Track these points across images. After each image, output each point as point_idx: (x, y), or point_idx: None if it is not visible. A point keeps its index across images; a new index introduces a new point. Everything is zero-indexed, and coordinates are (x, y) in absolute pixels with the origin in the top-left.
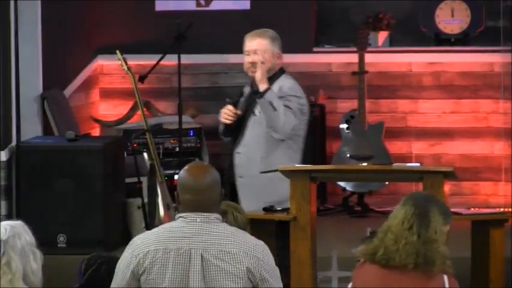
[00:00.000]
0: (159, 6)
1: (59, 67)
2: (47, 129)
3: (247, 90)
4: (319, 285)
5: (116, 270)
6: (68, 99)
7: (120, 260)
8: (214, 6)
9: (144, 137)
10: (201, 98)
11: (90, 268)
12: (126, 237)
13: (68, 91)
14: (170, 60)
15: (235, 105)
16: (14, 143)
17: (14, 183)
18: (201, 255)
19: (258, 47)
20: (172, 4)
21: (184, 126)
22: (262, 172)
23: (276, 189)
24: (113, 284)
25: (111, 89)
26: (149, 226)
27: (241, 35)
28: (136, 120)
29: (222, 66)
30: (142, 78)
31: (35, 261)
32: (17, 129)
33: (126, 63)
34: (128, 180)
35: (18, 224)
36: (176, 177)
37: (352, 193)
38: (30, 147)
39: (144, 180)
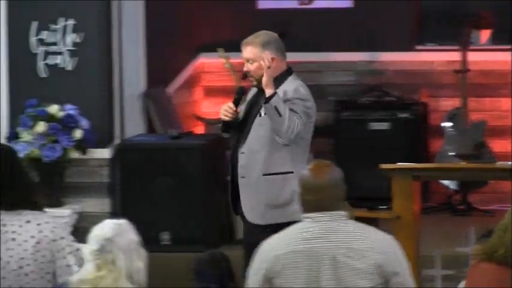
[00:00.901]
0: (261, 5)
1: (162, 65)
2: (150, 127)
3: (253, 89)
4: (423, 284)
5: (247, 274)
6: (171, 97)
7: (251, 264)
8: (316, 4)
9: None
10: None
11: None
12: (228, 235)
13: (170, 89)
14: None
15: (236, 102)
16: (117, 141)
17: (117, 181)
18: (331, 255)
19: (249, 56)
20: (275, 2)
21: None
22: (265, 174)
23: (277, 192)
24: (247, 285)
25: (213, 86)
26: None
27: (344, 33)
28: None
29: (323, 64)
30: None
31: (140, 260)
32: (120, 127)
33: (229, 61)
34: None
35: (123, 222)
36: None
37: (456, 191)
38: (133, 145)
39: None
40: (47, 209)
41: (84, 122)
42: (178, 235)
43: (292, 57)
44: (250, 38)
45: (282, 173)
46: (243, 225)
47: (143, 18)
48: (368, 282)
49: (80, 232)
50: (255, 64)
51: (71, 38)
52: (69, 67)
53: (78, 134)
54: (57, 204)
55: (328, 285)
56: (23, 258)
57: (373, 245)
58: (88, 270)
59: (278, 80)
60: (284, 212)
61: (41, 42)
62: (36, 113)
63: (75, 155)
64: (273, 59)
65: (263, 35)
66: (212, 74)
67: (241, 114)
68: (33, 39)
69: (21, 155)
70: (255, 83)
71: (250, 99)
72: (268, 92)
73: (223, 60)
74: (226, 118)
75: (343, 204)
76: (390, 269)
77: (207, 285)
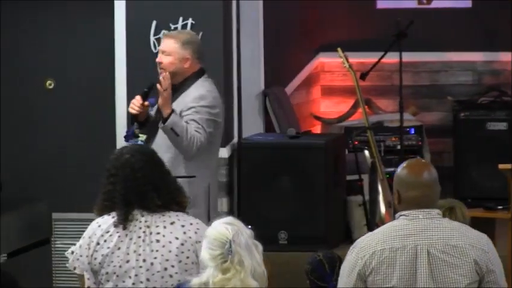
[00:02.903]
0: (380, 4)
1: (281, 65)
2: (268, 127)
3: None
4: None
5: (341, 272)
6: (289, 97)
7: (344, 262)
8: (435, 4)
9: (365, 135)
10: (421, 96)
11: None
12: (346, 235)
13: (289, 88)
14: (391, 58)
15: (144, 96)
16: (235, 140)
17: (235, 180)
18: (427, 251)
19: (167, 49)
20: (393, 2)
21: (405, 124)
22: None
23: None
24: (339, 285)
25: (332, 86)
26: (370, 224)
27: (463, 33)
28: (358, 118)
29: (442, 64)
30: (363, 76)
31: (258, 253)
32: (238, 126)
33: (348, 61)
34: (349, 177)
35: (233, 220)
36: None
37: None
38: (252, 144)
39: (365, 177)
40: None
41: None
42: (296, 234)
43: (411, 57)
44: (174, 32)
45: (185, 177)
46: None
47: (262, 17)
48: (465, 279)
49: None
50: (169, 58)
51: None
52: None
53: None
54: None
55: (424, 282)
56: (167, 259)
57: (470, 242)
58: (211, 273)
59: (187, 82)
60: None
61: (160, 41)
62: None
63: None
64: (187, 59)
65: (187, 33)
66: (331, 74)
67: (153, 112)
68: (152, 39)
69: None
70: (162, 74)
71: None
72: (165, 113)
73: (342, 60)
74: (133, 111)
75: (437, 203)
76: (486, 267)
77: (322, 285)
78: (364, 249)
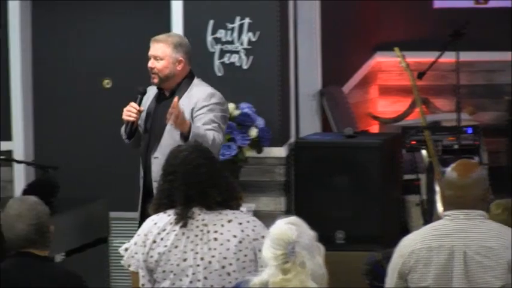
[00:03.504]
0: (437, 4)
1: (337, 64)
2: (325, 126)
3: (152, 89)
4: None
5: (387, 271)
6: (347, 96)
7: (391, 261)
8: (492, 3)
9: (422, 134)
10: (477, 95)
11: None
12: (403, 234)
13: (346, 88)
14: (447, 58)
15: (139, 102)
16: (292, 139)
17: (292, 179)
18: (463, 252)
19: (158, 54)
20: (450, 2)
21: (462, 123)
22: None
23: None
24: (385, 285)
25: (389, 86)
26: (427, 223)
27: None
28: (415, 117)
29: (499, 64)
30: (420, 75)
31: (319, 255)
32: (295, 125)
33: (405, 60)
34: (406, 177)
35: (296, 220)
36: None
37: None
38: (308, 144)
39: (423, 177)
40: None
41: (260, 121)
42: (353, 234)
43: (468, 56)
44: (162, 37)
45: None
46: None
47: (319, 17)
48: (498, 281)
49: None
50: (162, 62)
51: (247, 36)
52: (245, 66)
53: (253, 132)
54: None
55: (459, 282)
56: (225, 257)
57: (505, 244)
58: (271, 273)
59: (183, 84)
60: None
61: (217, 41)
62: None
63: (250, 153)
64: (180, 61)
65: (176, 36)
66: (388, 73)
67: (142, 117)
68: (209, 38)
69: None
70: (156, 80)
71: (152, 103)
72: (182, 129)
73: (399, 60)
74: (131, 118)
75: (484, 203)
76: None
77: (380, 285)
78: (404, 248)
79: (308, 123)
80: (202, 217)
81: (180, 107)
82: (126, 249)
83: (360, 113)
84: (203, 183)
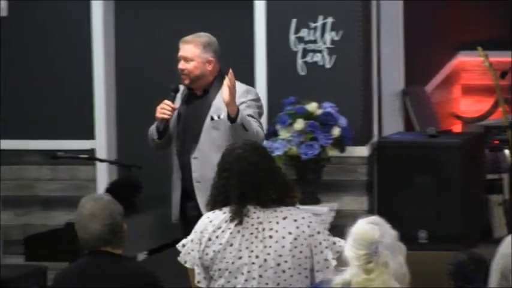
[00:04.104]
0: None
1: (420, 63)
2: (408, 125)
3: (182, 87)
4: None
5: (473, 271)
6: (429, 95)
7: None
8: None
9: (505, 134)
10: None
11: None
12: (486, 234)
13: (429, 87)
14: None
15: (172, 100)
16: (375, 138)
17: (375, 178)
18: None
19: (188, 55)
20: None
21: None
22: None
23: None
24: (489, 285)
25: (472, 85)
26: (510, 224)
27: None
28: (498, 117)
29: None
30: (503, 75)
31: (401, 254)
32: (378, 125)
33: (488, 60)
34: (489, 176)
35: (378, 219)
36: None
37: None
38: (391, 143)
39: (505, 177)
40: (305, 207)
41: (342, 120)
42: (436, 233)
43: None
44: (191, 37)
45: None
46: (187, 230)
47: (402, 16)
48: None
49: (337, 230)
50: (192, 63)
51: (330, 36)
52: (328, 65)
53: (336, 131)
54: (315, 201)
55: None
56: (281, 255)
57: None
58: (354, 273)
59: (216, 83)
60: None
61: (300, 40)
62: (295, 110)
63: (333, 152)
64: (210, 61)
65: (205, 36)
66: (471, 73)
67: (173, 118)
68: (292, 37)
69: (279, 152)
70: (187, 81)
71: (183, 104)
72: (233, 109)
73: (482, 59)
74: (166, 116)
75: None
76: None
77: (466, 286)
78: (506, 247)
79: (391, 122)
80: (257, 215)
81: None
82: (184, 246)
83: (442, 113)
84: (258, 180)
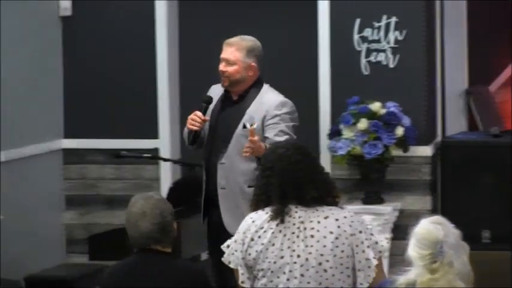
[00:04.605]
0: None
1: (484, 63)
2: (471, 125)
3: (214, 93)
4: None
5: None
6: (493, 95)
7: None
8: None
9: None
10: None
11: None
12: None
13: (492, 86)
14: None
15: (204, 111)
16: (438, 138)
17: (438, 178)
18: None
19: (230, 57)
20: None
21: None
22: (249, 186)
23: None
24: None
25: None
26: None
27: None
28: None
29: None
30: None
31: (465, 254)
32: (442, 125)
33: None
34: None
35: (441, 219)
36: None
37: None
38: (454, 143)
39: None
40: (368, 206)
41: (406, 120)
42: (499, 233)
43: None
44: (235, 40)
45: None
46: (210, 234)
47: (465, 16)
48: None
49: (400, 229)
50: (234, 67)
51: (394, 35)
52: (391, 64)
53: (399, 131)
54: (378, 201)
55: None
56: (322, 254)
57: None
58: (418, 273)
59: (253, 90)
60: None
61: (364, 39)
62: (358, 110)
63: (396, 152)
64: (252, 66)
65: (250, 40)
66: None
67: (205, 126)
68: (356, 37)
69: (342, 152)
70: (226, 84)
71: (217, 105)
72: (260, 154)
73: None
74: (195, 128)
75: None
76: None
77: None
78: None
79: (454, 122)
80: (298, 214)
81: (256, 138)
82: (228, 246)
83: (506, 112)
84: (299, 179)
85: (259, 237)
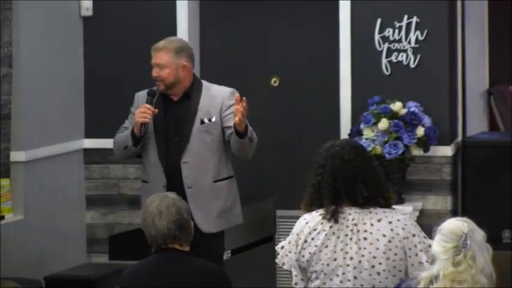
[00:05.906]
0: None
1: (506, 63)
2: (492, 125)
3: (142, 101)
4: None
5: None
6: None
7: None
8: None
9: None
10: None
11: None
12: None
13: None
14: None
15: (151, 104)
16: (459, 138)
17: (459, 178)
18: None
19: (161, 62)
20: None
21: None
22: (215, 181)
23: (225, 197)
24: None
25: None
26: None
27: None
28: None
29: None
30: None
31: (488, 254)
32: (462, 124)
33: None
34: None
35: (468, 219)
36: None
37: None
38: (475, 143)
39: None
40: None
41: (427, 120)
42: None
43: None
44: (163, 43)
45: (227, 178)
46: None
47: (487, 16)
48: None
49: (421, 229)
50: (166, 70)
51: (415, 35)
52: (412, 64)
53: (420, 131)
54: (399, 201)
55: None
56: (375, 257)
57: None
58: (442, 266)
59: (195, 88)
60: (229, 217)
61: (385, 39)
62: (379, 110)
63: (417, 152)
64: (184, 66)
65: (177, 41)
66: None
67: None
68: (377, 37)
69: None
70: (162, 87)
71: (159, 108)
72: (243, 128)
73: None
74: (147, 120)
75: None
76: None
77: None
78: None
79: (475, 122)
80: (352, 216)
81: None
82: (282, 248)
83: None
84: (352, 177)
85: (313, 239)
